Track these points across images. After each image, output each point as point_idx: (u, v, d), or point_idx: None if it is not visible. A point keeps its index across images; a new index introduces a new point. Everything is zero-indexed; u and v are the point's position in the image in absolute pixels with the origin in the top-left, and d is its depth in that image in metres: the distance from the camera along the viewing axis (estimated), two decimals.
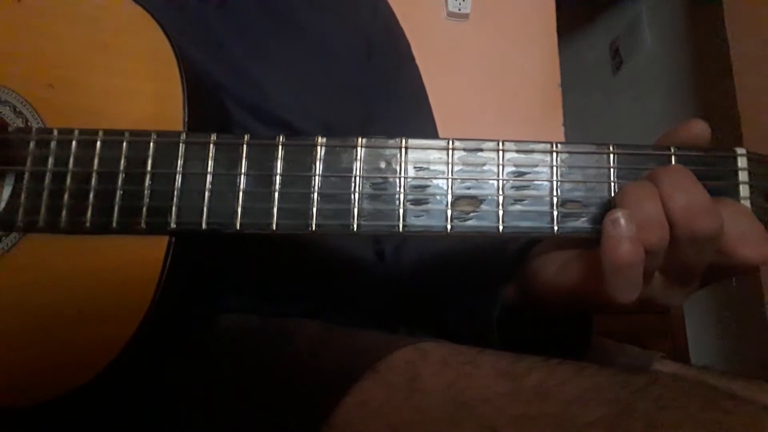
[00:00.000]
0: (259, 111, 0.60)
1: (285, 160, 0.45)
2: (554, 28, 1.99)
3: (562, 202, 0.43)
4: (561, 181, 0.44)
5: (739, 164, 0.43)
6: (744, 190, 0.43)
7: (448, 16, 1.92)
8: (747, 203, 0.42)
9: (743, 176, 0.43)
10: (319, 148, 0.45)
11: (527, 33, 1.96)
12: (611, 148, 0.44)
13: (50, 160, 0.46)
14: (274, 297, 0.58)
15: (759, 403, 0.31)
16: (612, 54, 2.58)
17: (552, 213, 0.43)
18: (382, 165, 0.45)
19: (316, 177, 0.44)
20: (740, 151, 0.44)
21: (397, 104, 0.74)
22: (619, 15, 2.56)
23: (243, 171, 0.45)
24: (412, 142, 0.45)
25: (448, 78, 1.70)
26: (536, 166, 0.44)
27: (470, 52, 1.91)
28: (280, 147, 0.45)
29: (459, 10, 1.90)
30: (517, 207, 0.44)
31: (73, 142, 0.46)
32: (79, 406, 0.43)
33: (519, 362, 0.37)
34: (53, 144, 0.46)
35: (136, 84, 0.48)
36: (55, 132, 0.46)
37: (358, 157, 0.45)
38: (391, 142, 0.45)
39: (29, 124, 0.47)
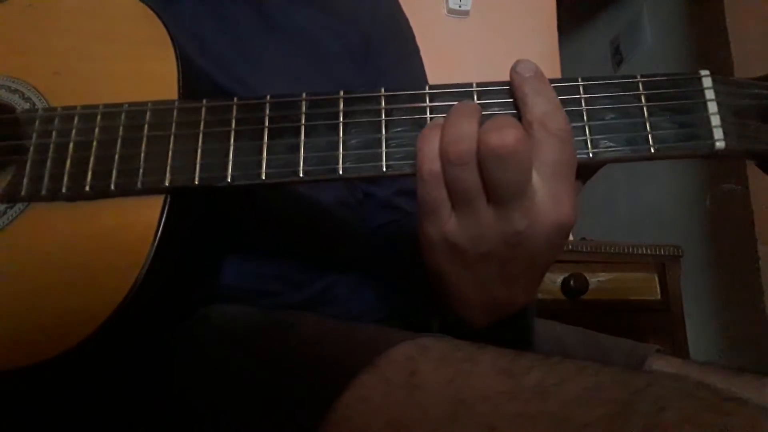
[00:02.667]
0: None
1: (272, 116, 0.47)
2: (555, 25, 1.99)
3: None
4: None
5: (705, 84, 0.46)
6: (712, 107, 0.45)
7: (449, 13, 1.92)
8: (716, 119, 0.45)
9: (710, 94, 0.45)
10: (304, 102, 0.47)
11: (528, 30, 1.96)
12: (579, 80, 0.47)
13: (53, 134, 0.49)
14: (274, 284, 0.58)
15: (760, 404, 0.31)
16: (613, 51, 2.58)
17: None
18: (364, 113, 0.47)
19: (302, 127, 0.47)
20: (704, 72, 0.46)
21: None
22: (620, 12, 2.56)
23: (233, 128, 0.47)
24: (392, 92, 0.47)
25: (448, 75, 1.69)
26: (511, 103, 0.46)
27: (470, 50, 1.91)
28: (267, 104, 0.48)
29: (459, 7, 1.90)
30: None
31: (75, 117, 0.49)
32: (75, 368, 0.44)
33: (518, 360, 0.37)
34: (57, 120, 0.49)
35: (134, 66, 0.51)
36: (59, 109, 0.49)
37: (341, 108, 0.47)
38: (371, 92, 0.47)
39: (36, 107, 0.50)
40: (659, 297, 1.51)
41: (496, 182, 0.42)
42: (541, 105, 0.43)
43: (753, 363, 1.70)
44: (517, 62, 0.46)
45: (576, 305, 1.43)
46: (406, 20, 0.81)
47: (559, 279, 1.43)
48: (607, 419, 0.30)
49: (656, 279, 1.52)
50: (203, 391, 0.46)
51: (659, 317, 1.50)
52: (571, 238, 1.84)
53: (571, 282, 1.41)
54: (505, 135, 0.41)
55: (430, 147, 0.43)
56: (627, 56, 2.49)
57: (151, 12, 0.52)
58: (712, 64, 1.89)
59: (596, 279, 1.46)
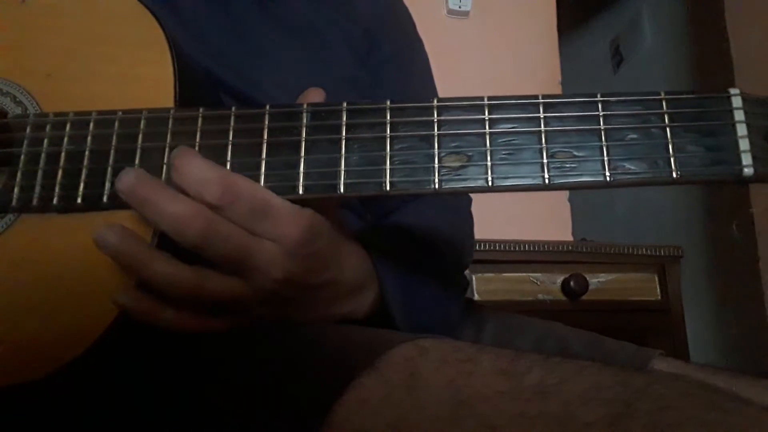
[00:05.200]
0: (258, 107, 0.60)
1: (271, 128, 0.45)
2: (554, 25, 1.99)
3: (552, 154, 0.43)
4: (549, 132, 0.43)
5: (734, 104, 0.42)
6: (741, 129, 0.42)
7: (449, 14, 1.92)
8: (745, 143, 0.41)
9: (739, 115, 0.42)
10: (305, 114, 0.45)
11: (527, 30, 1.96)
12: (598, 96, 0.44)
13: (45, 142, 0.47)
14: None
15: (760, 404, 0.31)
16: (612, 52, 2.58)
17: (542, 165, 0.43)
18: (368, 127, 0.45)
19: (303, 142, 0.45)
20: (734, 91, 0.43)
21: (400, 95, 0.73)
22: (620, 13, 2.56)
23: (230, 141, 0.45)
24: (396, 104, 0.45)
25: (448, 76, 1.69)
26: (524, 119, 0.44)
27: (470, 50, 1.90)
28: (267, 115, 0.46)
29: (459, 7, 1.90)
30: (507, 161, 0.43)
31: (68, 123, 0.47)
32: (72, 382, 0.43)
33: (519, 360, 0.37)
34: (48, 127, 0.47)
35: (129, 69, 0.49)
36: (51, 115, 0.48)
37: (344, 121, 0.45)
38: (376, 104, 0.45)
39: (27, 111, 0.49)
40: (659, 298, 1.51)
41: (219, 261, 0.43)
42: (194, 188, 0.42)
43: (753, 364, 1.70)
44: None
45: (576, 306, 1.43)
46: (407, 11, 0.81)
47: (559, 279, 1.43)
48: (609, 419, 0.30)
49: (656, 280, 1.52)
50: (205, 394, 0.46)
51: (659, 318, 1.50)
52: (571, 238, 1.84)
53: (571, 283, 1.41)
54: (191, 229, 0.41)
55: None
56: (627, 57, 2.49)
57: (148, 12, 0.50)
58: (711, 64, 1.89)
59: (596, 280, 1.46)
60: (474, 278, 1.38)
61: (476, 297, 1.37)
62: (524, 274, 1.43)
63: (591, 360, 0.37)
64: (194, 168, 0.43)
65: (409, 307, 0.56)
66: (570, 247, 1.48)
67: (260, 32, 0.66)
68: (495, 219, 1.59)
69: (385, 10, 0.77)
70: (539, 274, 1.43)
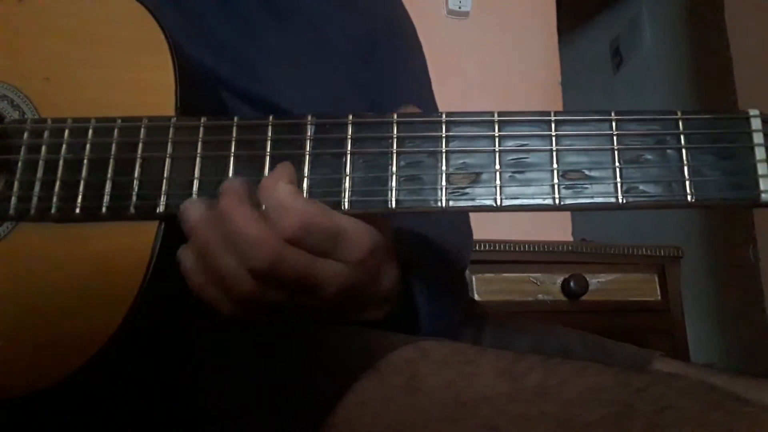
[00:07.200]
0: (263, 104, 0.60)
1: (274, 140, 0.44)
2: (554, 26, 1.99)
3: (564, 173, 0.41)
4: (561, 151, 0.42)
5: (753, 126, 0.41)
6: (759, 153, 0.41)
7: (449, 14, 1.92)
8: (764, 167, 0.40)
9: (758, 138, 0.41)
10: (309, 126, 0.44)
11: (527, 31, 1.96)
12: (612, 114, 0.42)
13: (43, 149, 0.46)
14: None
15: (761, 404, 0.31)
16: (612, 52, 2.58)
17: (553, 185, 0.41)
18: (374, 141, 0.43)
19: (306, 156, 0.43)
20: (753, 112, 0.41)
21: (400, 98, 0.73)
22: (620, 13, 2.56)
23: (233, 152, 0.44)
24: (403, 117, 0.43)
25: (448, 76, 1.70)
26: (535, 137, 0.42)
27: (470, 51, 1.90)
28: (270, 127, 0.44)
29: (459, 8, 1.90)
30: (516, 179, 0.42)
31: (66, 131, 0.46)
32: (73, 394, 0.43)
33: (519, 362, 0.37)
34: (46, 133, 0.46)
35: (130, 74, 0.48)
36: (49, 121, 0.47)
37: (349, 135, 0.44)
38: (382, 118, 0.44)
39: (25, 116, 0.48)
40: (659, 298, 1.51)
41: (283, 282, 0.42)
42: (274, 212, 0.41)
43: (753, 364, 1.70)
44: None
45: (576, 306, 1.43)
46: (408, 16, 0.81)
47: (559, 280, 1.43)
48: (609, 419, 0.30)
49: (656, 280, 1.52)
50: (207, 394, 0.46)
51: (659, 318, 1.50)
52: (570, 238, 1.84)
53: (571, 283, 1.41)
54: (259, 256, 0.40)
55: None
56: (627, 57, 2.48)
57: (149, 14, 0.49)
58: (711, 64, 1.89)
59: (596, 280, 1.45)
60: (474, 278, 1.38)
61: (476, 297, 1.37)
62: (524, 275, 1.43)
63: (591, 361, 0.37)
64: (278, 192, 0.41)
65: (432, 314, 0.56)
66: (570, 248, 1.48)
67: (264, 28, 0.66)
68: (495, 219, 1.59)
69: (387, 13, 0.77)
70: (539, 275, 1.43)
